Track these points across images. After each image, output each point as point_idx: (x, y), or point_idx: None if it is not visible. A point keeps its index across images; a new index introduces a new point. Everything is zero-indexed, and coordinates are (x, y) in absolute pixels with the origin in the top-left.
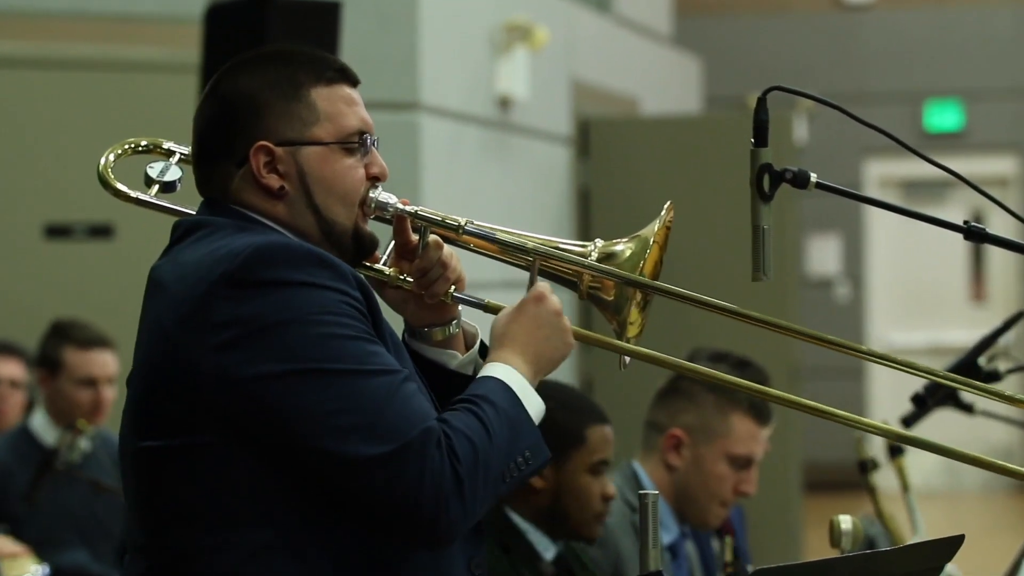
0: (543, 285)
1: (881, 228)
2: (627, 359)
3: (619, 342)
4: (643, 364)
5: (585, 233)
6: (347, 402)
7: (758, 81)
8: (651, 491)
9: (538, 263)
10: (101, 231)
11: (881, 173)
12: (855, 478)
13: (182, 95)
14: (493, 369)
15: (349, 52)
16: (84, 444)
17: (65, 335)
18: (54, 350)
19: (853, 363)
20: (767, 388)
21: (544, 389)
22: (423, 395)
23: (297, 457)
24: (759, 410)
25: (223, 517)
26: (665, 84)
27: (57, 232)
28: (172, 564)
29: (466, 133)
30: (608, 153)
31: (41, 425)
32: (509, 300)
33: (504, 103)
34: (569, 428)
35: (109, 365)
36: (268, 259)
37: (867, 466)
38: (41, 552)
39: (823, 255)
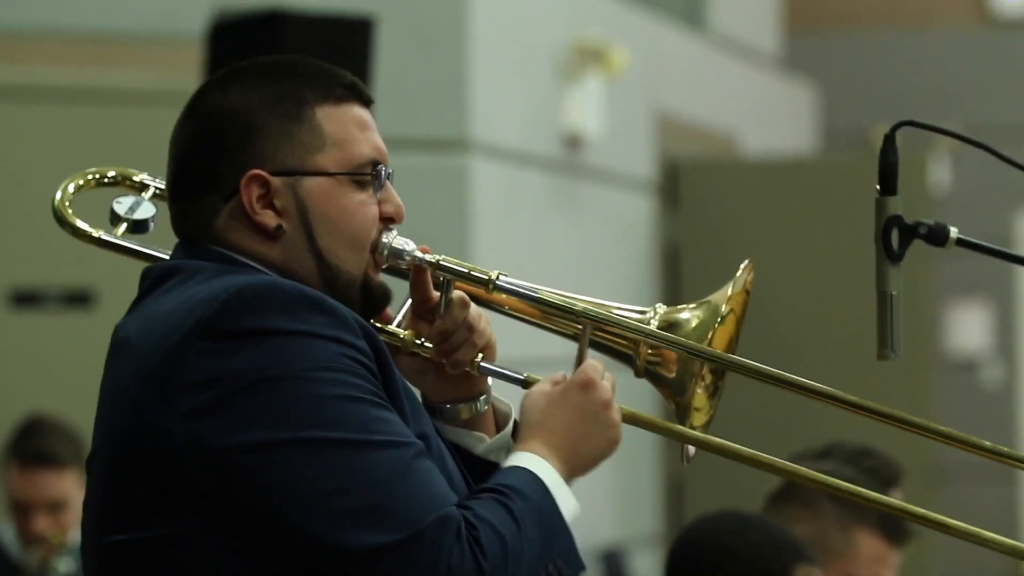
0: (594, 366)
1: None
2: (692, 451)
3: (683, 428)
4: (736, 417)
5: (674, 299)
6: (348, 480)
7: (886, 113)
8: None
9: (589, 330)
10: (78, 298)
11: None
12: None
13: None
14: (521, 459)
15: (384, 78)
16: (65, 565)
17: (15, 444)
18: (5, 456)
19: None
20: (890, 500)
21: (748, 524)
22: (446, 474)
23: (288, 546)
24: (892, 527)
25: None
26: (771, 117)
27: (26, 299)
28: None
29: (526, 178)
30: (701, 202)
31: (12, 537)
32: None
33: (573, 141)
34: (774, 567)
35: (50, 488)
36: (253, 303)
37: None
38: None
39: (968, 328)
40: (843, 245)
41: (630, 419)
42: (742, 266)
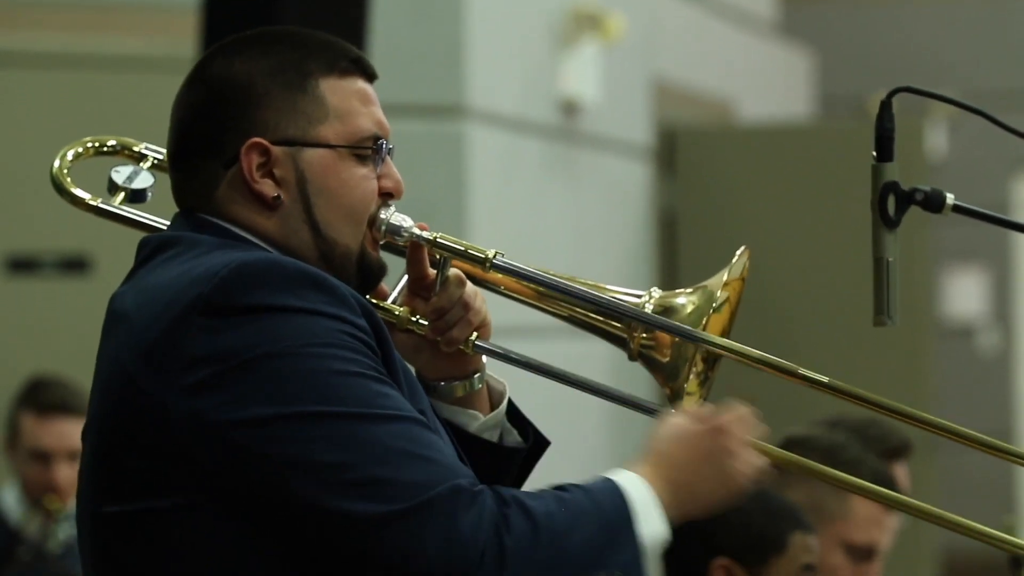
0: (732, 419)
1: None
2: None
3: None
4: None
5: (670, 266)
6: (353, 452)
7: (883, 80)
8: None
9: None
10: (74, 264)
11: None
12: (1005, 574)
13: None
14: (616, 474)
15: (380, 45)
16: (64, 532)
17: (28, 397)
18: (16, 414)
19: (1003, 425)
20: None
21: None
22: (448, 447)
23: (290, 521)
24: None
25: None
26: (768, 84)
27: (23, 266)
28: None
29: (523, 145)
30: (698, 168)
31: (12, 502)
32: (534, 349)
33: (570, 108)
34: (769, 532)
35: (71, 437)
36: (252, 280)
37: (1021, 562)
38: None
39: (964, 294)
40: (840, 212)
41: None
42: (738, 252)
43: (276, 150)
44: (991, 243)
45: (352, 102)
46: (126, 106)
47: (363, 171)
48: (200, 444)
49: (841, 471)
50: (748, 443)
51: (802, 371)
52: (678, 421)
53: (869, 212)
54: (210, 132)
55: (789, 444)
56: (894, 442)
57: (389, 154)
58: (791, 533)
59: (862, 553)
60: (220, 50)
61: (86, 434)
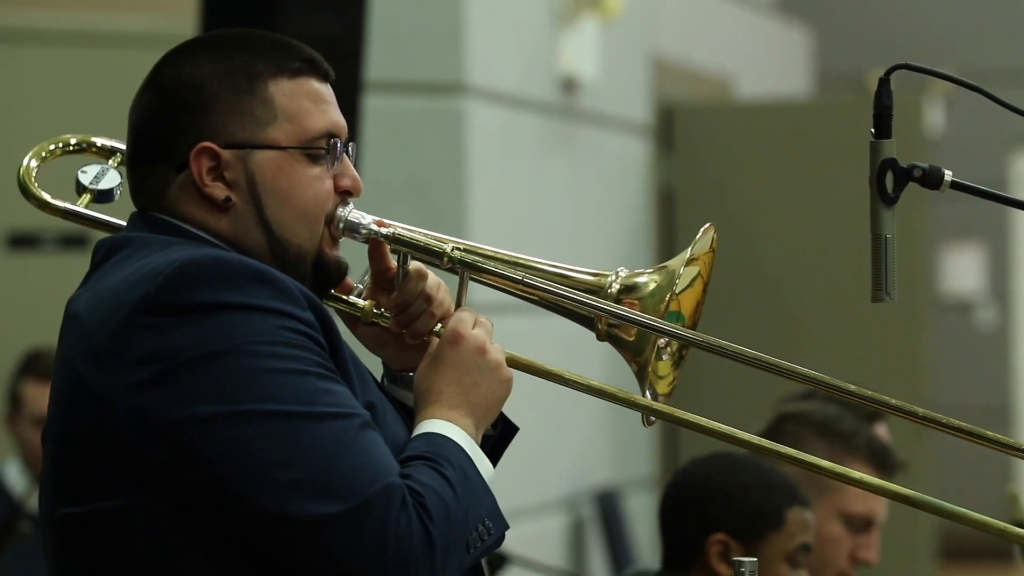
0: (460, 318)
1: None
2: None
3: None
4: (744, 402)
5: (668, 242)
6: (291, 452)
7: (881, 57)
8: (747, 559)
9: (467, 278)
10: (74, 241)
11: None
12: (1004, 545)
13: None
14: (434, 427)
15: (380, 23)
16: None
17: (28, 366)
18: (17, 384)
19: (1001, 401)
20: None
21: (739, 466)
22: (395, 440)
23: (231, 520)
24: (882, 457)
25: None
26: (766, 61)
27: (22, 242)
28: None
29: (522, 122)
30: (696, 145)
31: (15, 473)
32: (505, 327)
33: (569, 85)
34: (766, 508)
35: None
36: (196, 278)
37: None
38: None
39: (962, 270)
40: (838, 188)
41: (517, 365)
42: (702, 229)
43: (226, 154)
44: (989, 219)
45: (303, 102)
46: (127, 83)
47: (315, 171)
48: (145, 442)
49: (837, 443)
50: (485, 333)
51: (752, 353)
52: (424, 361)
53: (867, 188)
54: (161, 137)
55: (783, 419)
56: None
57: (346, 152)
58: (788, 508)
59: (860, 523)
60: (173, 55)
61: (45, 438)
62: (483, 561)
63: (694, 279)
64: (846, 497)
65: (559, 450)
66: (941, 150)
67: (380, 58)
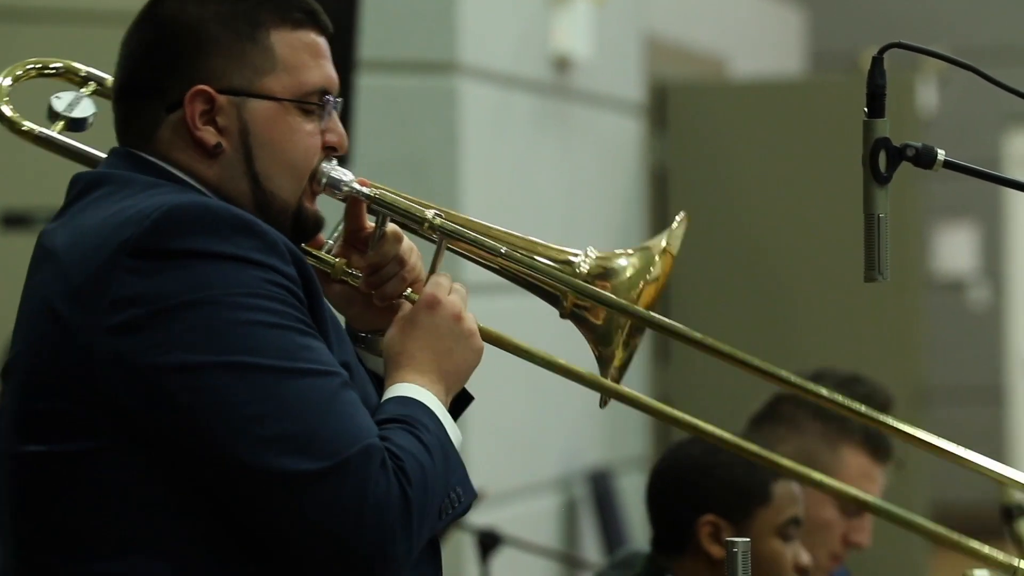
0: (437, 283)
1: None
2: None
3: (603, 379)
4: (736, 386)
5: (661, 221)
6: (273, 406)
7: (875, 35)
8: (740, 539)
9: (444, 246)
10: None
11: None
12: (996, 526)
13: None
14: (406, 390)
15: (373, 1)
16: None
17: None
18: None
19: (994, 380)
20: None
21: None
22: (368, 403)
23: (204, 470)
24: (877, 443)
25: (110, 542)
26: (760, 40)
27: (16, 221)
28: None
29: (515, 101)
30: (689, 124)
31: None
32: (479, 305)
33: (562, 64)
34: (751, 484)
35: None
36: (183, 224)
37: (1013, 512)
38: None
39: (955, 250)
40: (831, 167)
41: (487, 338)
42: (677, 218)
43: (221, 99)
44: (982, 199)
45: (302, 55)
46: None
47: (308, 126)
48: (119, 385)
49: (832, 426)
50: (461, 299)
51: (724, 348)
52: (395, 324)
53: (860, 168)
54: (156, 74)
55: (779, 400)
56: (879, 399)
57: (336, 109)
58: (774, 482)
59: (853, 507)
60: None
61: (8, 371)
62: (474, 541)
63: (656, 276)
64: (840, 480)
65: (551, 430)
66: (934, 129)
67: (373, 37)
